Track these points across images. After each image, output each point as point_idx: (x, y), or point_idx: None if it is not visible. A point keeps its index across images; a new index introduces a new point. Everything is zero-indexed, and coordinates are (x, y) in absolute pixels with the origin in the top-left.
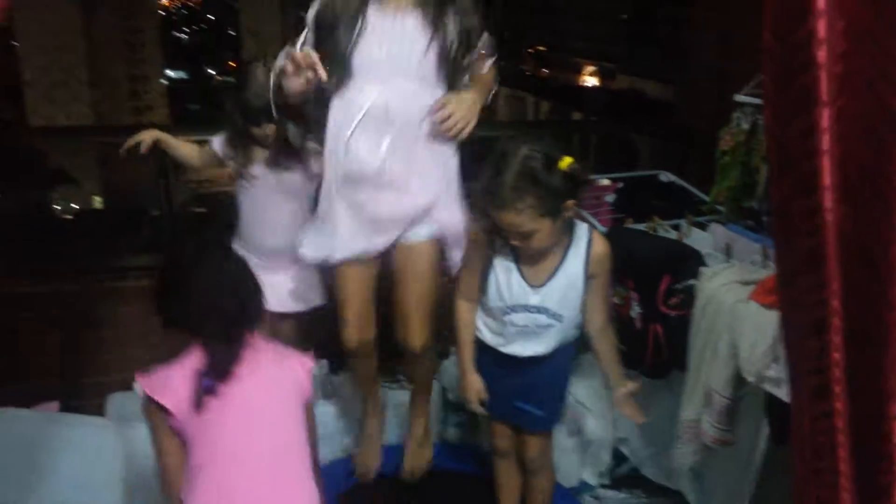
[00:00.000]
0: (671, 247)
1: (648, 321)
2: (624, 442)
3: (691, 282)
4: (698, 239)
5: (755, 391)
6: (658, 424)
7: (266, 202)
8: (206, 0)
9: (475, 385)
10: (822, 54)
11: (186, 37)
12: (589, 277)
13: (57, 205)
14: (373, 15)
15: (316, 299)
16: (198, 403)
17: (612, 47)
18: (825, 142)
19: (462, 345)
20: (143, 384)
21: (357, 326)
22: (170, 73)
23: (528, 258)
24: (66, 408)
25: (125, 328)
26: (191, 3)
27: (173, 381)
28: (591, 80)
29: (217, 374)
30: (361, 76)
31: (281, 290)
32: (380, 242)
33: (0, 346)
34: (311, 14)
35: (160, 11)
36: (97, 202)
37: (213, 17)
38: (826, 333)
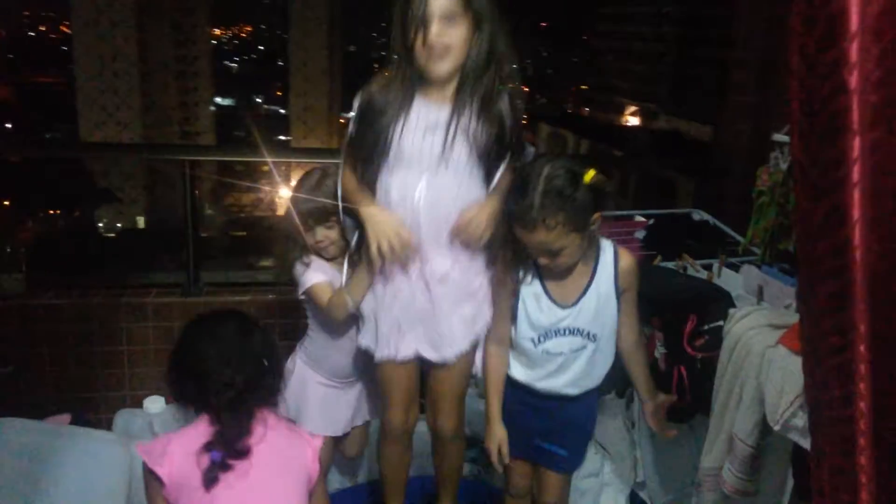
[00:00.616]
0: (699, 286)
1: (673, 362)
2: (642, 486)
3: (719, 323)
4: (730, 280)
5: (781, 441)
6: (678, 470)
7: (342, 326)
8: (257, 30)
9: (499, 435)
10: (853, 79)
11: (236, 66)
12: (621, 293)
13: (101, 223)
14: (417, 106)
15: None
16: (207, 480)
17: (654, 87)
18: (856, 173)
19: (490, 392)
20: (141, 452)
21: (401, 410)
22: (218, 100)
23: (555, 279)
24: (78, 421)
25: (143, 344)
26: (242, 34)
27: (172, 453)
28: (632, 120)
29: (222, 447)
30: (404, 167)
31: (352, 406)
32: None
33: (16, 360)
34: (356, 104)
35: (212, 41)
36: (140, 222)
37: (262, 48)
38: (851, 381)
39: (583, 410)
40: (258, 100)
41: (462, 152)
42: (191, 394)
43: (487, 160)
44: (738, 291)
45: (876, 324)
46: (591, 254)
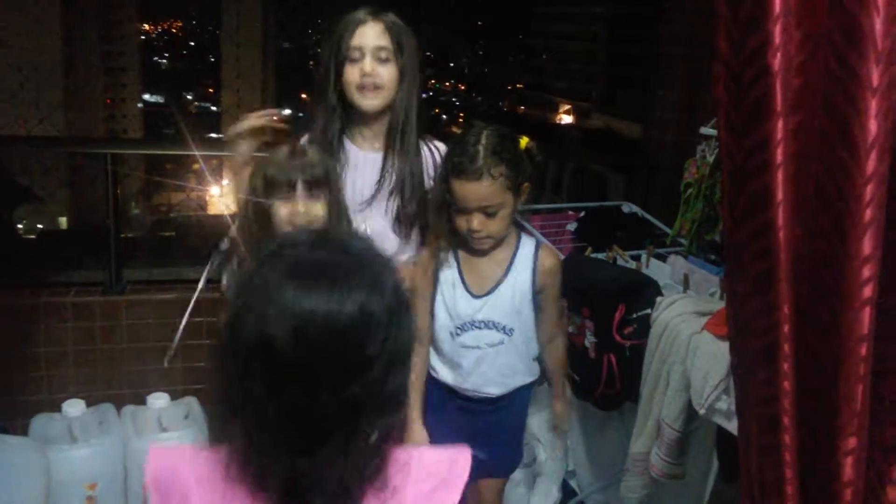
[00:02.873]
0: (627, 276)
1: (602, 351)
2: (572, 475)
3: (647, 311)
4: (657, 270)
5: (707, 425)
6: (608, 457)
7: None
8: (188, 26)
9: (419, 437)
10: (776, 62)
11: (166, 62)
12: (538, 291)
13: (21, 224)
14: (348, 148)
15: None
16: None
17: (587, 86)
18: (778, 155)
19: (410, 390)
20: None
21: None
22: (147, 97)
23: (472, 267)
24: None
25: (62, 345)
26: (172, 30)
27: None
28: (566, 118)
29: None
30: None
31: None
32: None
33: None
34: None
35: (141, 36)
36: (62, 223)
37: (193, 44)
38: (776, 361)
39: (510, 413)
40: (189, 97)
41: (393, 194)
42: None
43: (412, 203)
44: (665, 281)
45: (799, 303)
46: (511, 244)
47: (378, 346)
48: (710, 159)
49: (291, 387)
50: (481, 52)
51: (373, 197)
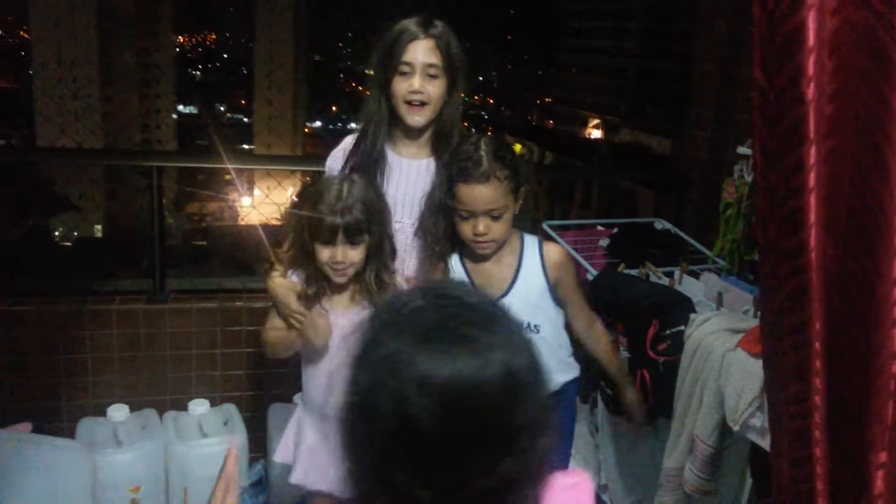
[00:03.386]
0: (661, 292)
1: (636, 366)
2: (604, 489)
3: (680, 328)
4: (691, 287)
5: (740, 441)
6: (641, 472)
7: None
8: (222, 38)
9: None
10: (810, 91)
11: (200, 73)
12: (554, 285)
13: (57, 231)
14: (391, 159)
15: None
16: None
17: (617, 101)
18: (811, 179)
19: None
20: None
21: None
22: (181, 108)
23: (480, 273)
24: (39, 429)
25: (107, 352)
26: (207, 42)
27: None
28: (595, 133)
29: None
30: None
31: None
32: None
33: None
34: (332, 164)
35: (176, 49)
36: (97, 230)
37: (226, 56)
38: (808, 377)
39: (557, 413)
40: (222, 108)
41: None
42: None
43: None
44: (698, 298)
45: (830, 321)
46: (515, 247)
47: (526, 408)
48: (749, 179)
49: (441, 470)
50: (510, 67)
51: (413, 205)
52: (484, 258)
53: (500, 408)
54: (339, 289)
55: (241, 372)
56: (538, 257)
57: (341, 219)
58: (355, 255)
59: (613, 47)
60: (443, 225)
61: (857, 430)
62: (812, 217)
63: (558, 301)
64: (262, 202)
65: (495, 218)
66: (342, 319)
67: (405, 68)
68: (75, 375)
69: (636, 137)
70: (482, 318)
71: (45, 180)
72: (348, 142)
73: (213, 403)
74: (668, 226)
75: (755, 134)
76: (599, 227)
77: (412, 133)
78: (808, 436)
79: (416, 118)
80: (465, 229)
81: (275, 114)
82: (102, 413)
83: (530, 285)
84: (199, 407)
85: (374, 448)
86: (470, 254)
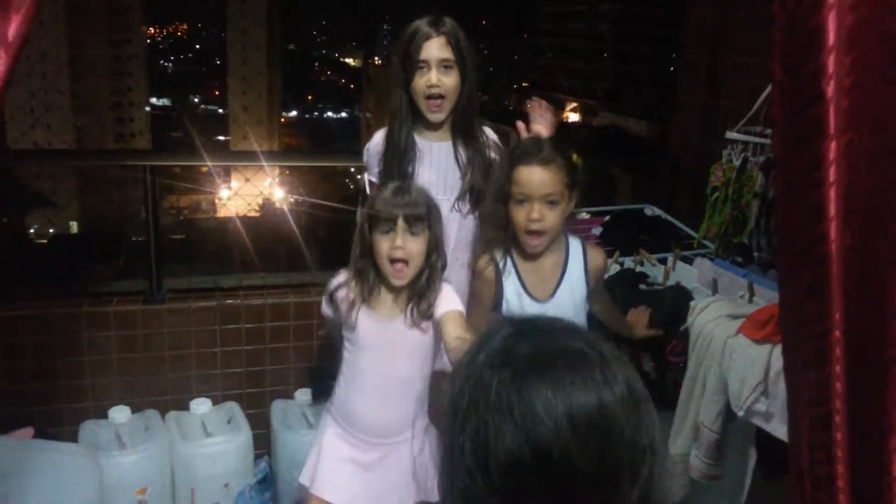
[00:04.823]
0: (666, 299)
1: (664, 371)
2: None
3: (686, 325)
4: (684, 273)
5: (744, 426)
6: None
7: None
8: (193, 29)
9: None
10: (830, 89)
11: (172, 65)
12: (591, 287)
13: (32, 229)
14: (420, 145)
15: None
16: None
17: (594, 84)
18: (832, 173)
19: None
20: None
21: None
22: (154, 100)
23: (531, 273)
24: (41, 434)
25: (105, 354)
26: (178, 33)
27: None
28: (573, 116)
29: None
30: None
31: (375, 481)
32: None
33: None
34: (370, 157)
35: (147, 40)
36: (73, 227)
37: (199, 46)
38: (828, 364)
39: None
40: (195, 99)
41: (460, 185)
42: None
43: (473, 191)
44: (693, 284)
45: (849, 310)
46: (561, 247)
47: (646, 431)
48: (737, 163)
49: (578, 500)
50: (486, 52)
51: (445, 185)
52: (533, 256)
53: (629, 429)
54: (388, 299)
55: (241, 369)
56: (582, 261)
57: (401, 208)
58: (415, 246)
59: (590, 30)
60: (503, 211)
61: (875, 414)
62: (832, 210)
63: (588, 300)
64: (240, 191)
65: (550, 204)
66: (383, 328)
67: (422, 65)
68: (75, 378)
69: (614, 120)
70: (585, 342)
71: (14, 179)
72: (377, 139)
73: (215, 402)
74: (658, 212)
75: (775, 128)
76: (584, 215)
77: (434, 124)
78: (828, 421)
79: (437, 115)
80: (520, 215)
81: (249, 104)
82: (103, 415)
83: (574, 288)
84: (201, 406)
85: (503, 489)
86: (520, 252)
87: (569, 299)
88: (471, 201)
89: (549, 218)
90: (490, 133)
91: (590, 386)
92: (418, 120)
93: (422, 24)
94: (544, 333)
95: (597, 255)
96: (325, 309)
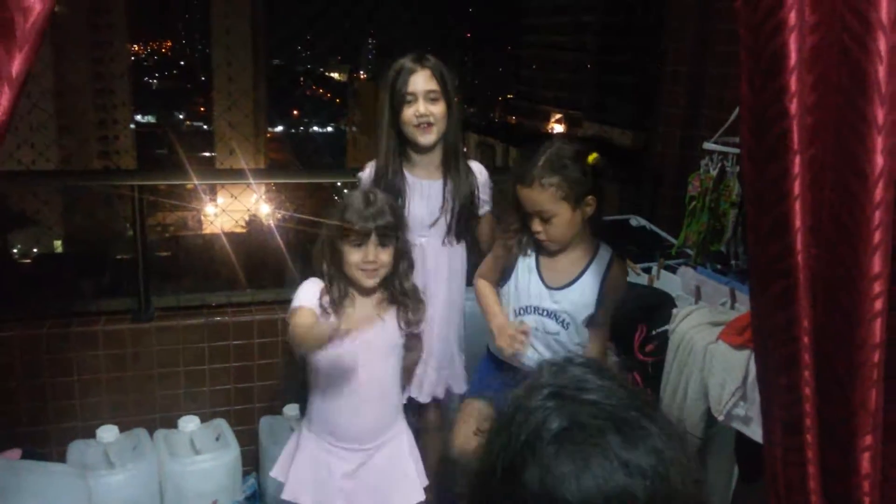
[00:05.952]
0: (645, 296)
1: (626, 369)
2: None
3: (665, 328)
4: (669, 281)
5: (725, 431)
6: None
7: (345, 379)
8: (178, 46)
9: (501, 321)
10: (793, 106)
11: (157, 82)
12: (603, 296)
13: (16, 249)
14: (411, 180)
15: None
16: None
17: (577, 96)
18: (797, 187)
19: (485, 297)
20: None
21: None
22: (139, 117)
23: (550, 261)
24: (29, 455)
25: (94, 373)
26: (162, 50)
27: None
28: (557, 127)
29: None
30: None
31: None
32: None
33: None
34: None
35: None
36: (57, 246)
37: (183, 63)
38: (797, 369)
39: None
40: (180, 116)
41: (452, 214)
42: None
43: (464, 218)
44: (677, 292)
45: (817, 317)
46: (590, 250)
47: (691, 480)
48: (714, 173)
49: None
50: (471, 65)
51: (436, 219)
52: (552, 253)
53: (689, 475)
54: (364, 301)
55: (229, 386)
56: (604, 270)
57: (373, 220)
58: (385, 256)
59: (572, 42)
60: (519, 216)
61: (844, 416)
62: (798, 222)
63: (596, 307)
64: (227, 207)
65: (545, 220)
66: (364, 333)
67: (410, 97)
68: (62, 398)
69: (598, 131)
70: (620, 388)
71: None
72: (369, 172)
73: (203, 419)
74: (643, 222)
75: (742, 144)
76: None
77: (424, 151)
78: (799, 424)
79: (427, 137)
80: (528, 225)
81: (235, 120)
82: (91, 435)
83: (585, 290)
84: (189, 423)
85: None
86: (544, 249)
87: (576, 297)
88: (457, 232)
89: (548, 230)
90: (475, 167)
91: (654, 433)
92: (408, 154)
93: (406, 60)
94: (586, 381)
95: (619, 272)
96: (317, 318)
